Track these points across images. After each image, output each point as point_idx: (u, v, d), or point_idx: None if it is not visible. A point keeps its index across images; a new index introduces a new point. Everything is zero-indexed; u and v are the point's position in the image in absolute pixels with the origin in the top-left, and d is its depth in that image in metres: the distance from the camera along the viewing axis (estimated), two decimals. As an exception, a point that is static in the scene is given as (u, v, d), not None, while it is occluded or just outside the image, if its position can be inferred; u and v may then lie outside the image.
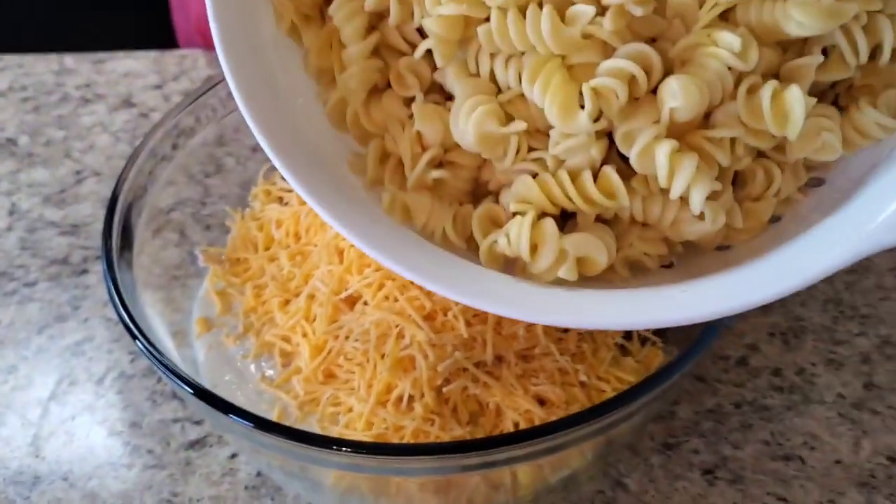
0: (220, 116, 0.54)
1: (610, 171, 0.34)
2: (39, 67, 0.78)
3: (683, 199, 0.34)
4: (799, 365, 0.52)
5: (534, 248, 0.35)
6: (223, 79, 0.51)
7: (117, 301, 0.39)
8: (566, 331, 0.44)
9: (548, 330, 0.43)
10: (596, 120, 0.33)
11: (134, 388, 0.52)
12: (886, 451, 0.48)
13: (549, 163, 0.35)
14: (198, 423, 0.50)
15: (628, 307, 0.35)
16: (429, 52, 0.35)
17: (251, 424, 0.35)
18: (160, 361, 0.37)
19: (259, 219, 0.51)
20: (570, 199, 0.35)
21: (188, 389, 0.36)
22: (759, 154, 0.36)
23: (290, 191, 0.50)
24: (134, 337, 0.38)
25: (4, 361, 0.54)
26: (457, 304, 0.42)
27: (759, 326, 0.54)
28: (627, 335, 0.46)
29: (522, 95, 0.34)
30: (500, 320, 0.43)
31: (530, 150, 0.36)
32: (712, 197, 0.34)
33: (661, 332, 0.46)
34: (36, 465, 0.49)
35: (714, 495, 0.46)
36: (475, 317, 0.42)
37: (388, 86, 0.38)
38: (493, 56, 0.35)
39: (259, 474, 0.48)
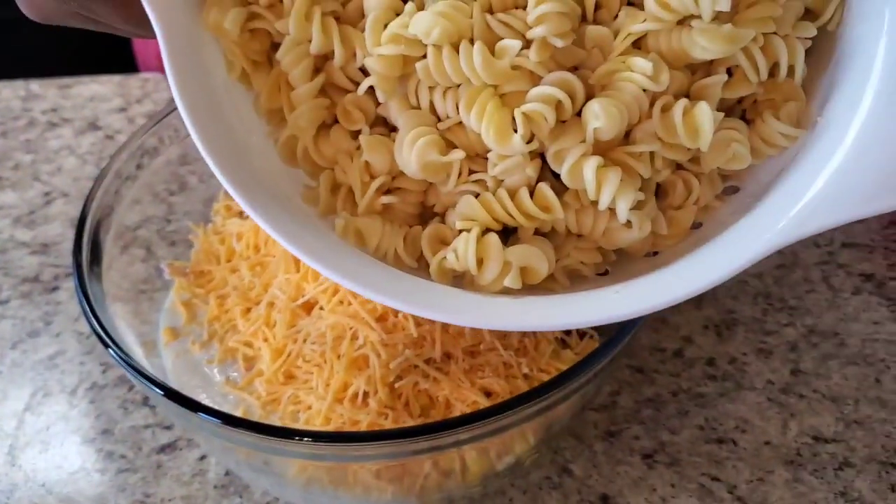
0: (182, 136, 0.57)
1: (544, 188, 0.38)
2: (6, 93, 0.81)
3: (612, 211, 0.37)
4: (731, 355, 0.56)
5: (480, 262, 0.37)
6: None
7: (89, 313, 0.42)
8: (509, 328, 0.47)
9: (492, 327, 0.46)
10: (529, 142, 0.36)
11: (106, 397, 0.55)
12: (811, 431, 0.52)
13: (489, 183, 0.38)
14: (167, 427, 0.53)
15: (569, 308, 0.38)
16: (372, 88, 0.38)
17: (219, 421, 0.38)
18: (132, 367, 0.40)
19: (221, 233, 0.54)
20: (510, 214, 0.38)
21: (159, 392, 0.39)
22: (678, 167, 0.40)
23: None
24: (106, 346, 0.41)
25: (-20, 376, 0.57)
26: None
27: (694, 320, 0.58)
28: (567, 330, 0.49)
29: (461, 123, 0.37)
30: (447, 320, 0.46)
31: (471, 172, 0.39)
32: (637, 207, 0.37)
33: (598, 327, 0.50)
34: (13, 473, 0.51)
35: (653, 478, 0.50)
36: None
37: (335, 122, 0.40)
38: (431, 89, 0.38)
39: (227, 474, 0.50)
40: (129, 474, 0.51)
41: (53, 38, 0.90)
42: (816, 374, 0.54)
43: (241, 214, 0.54)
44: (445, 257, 0.38)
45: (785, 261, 0.61)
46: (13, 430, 0.53)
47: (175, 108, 0.56)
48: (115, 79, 0.82)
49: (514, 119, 0.36)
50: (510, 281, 0.37)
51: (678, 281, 0.37)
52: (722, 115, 0.37)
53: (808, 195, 0.36)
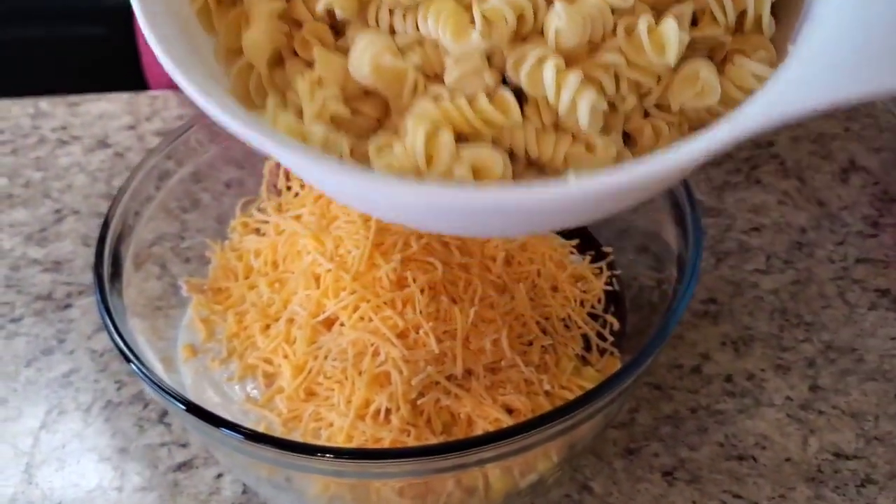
0: (195, 155, 0.57)
1: (504, 91, 0.35)
2: (15, 111, 0.81)
3: (575, 137, 0.35)
4: (749, 371, 0.56)
5: (430, 160, 0.34)
6: (198, 120, 0.54)
7: (111, 328, 0.42)
8: (530, 343, 0.47)
9: (513, 343, 0.46)
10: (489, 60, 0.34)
11: (121, 415, 0.55)
12: (832, 447, 0.51)
13: (445, 96, 0.36)
14: (183, 445, 0.53)
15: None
16: (333, 25, 0.37)
17: (241, 436, 0.38)
18: (153, 381, 0.40)
19: (238, 250, 0.53)
20: (466, 119, 0.35)
21: (181, 406, 0.39)
22: (646, 115, 0.38)
23: (267, 222, 0.53)
24: (128, 360, 0.41)
25: (-6, 394, 0.56)
26: (428, 322, 0.45)
27: (711, 336, 0.58)
28: (587, 347, 0.49)
29: (419, 43, 0.36)
30: (468, 336, 0.46)
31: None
32: (603, 132, 0.35)
33: (618, 344, 0.50)
34: (30, 491, 0.51)
35: (674, 495, 0.49)
36: (445, 333, 0.45)
37: (294, 55, 0.38)
38: (391, 12, 0.36)
39: (245, 492, 0.50)
40: (145, 493, 0.50)
41: (62, 56, 0.90)
42: (835, 391, 0.54)
43: (258, 231, 0.54)
44: (392, 150, 0.35)
45: (800, 277, 0.61)
46: (29, 448, 0.53)
47: (188, 128, 0.56)
48: (124, 96, 0.82)
49: (473, 21, 0.34)
50: (461, 173, 0.34)
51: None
52: (688, 37, 0.35)
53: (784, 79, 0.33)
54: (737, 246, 0.64)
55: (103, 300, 0.43)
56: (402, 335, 0.45)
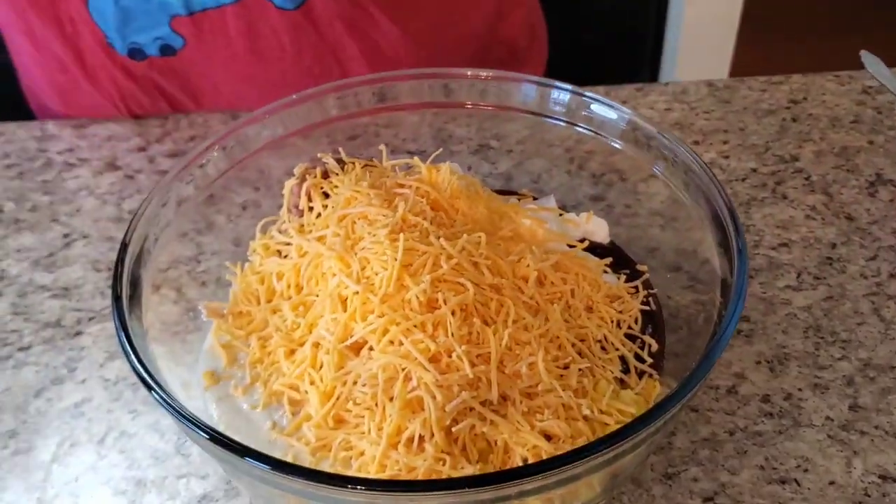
0: (209, 177, 0.55)
1: None
2: (21, 134, 0.79)
3: None
4: (786, 391, 0.54)
5: None
6: (212, 142, 0.53)
7: (132, 355, 0.40)
8: (566, 366, 0.45)
9: (549, 367, 0.44)
10: None
11: (136, 446, 0.53)
12: (877, 470, 0.49)
13: None
14: (203, 477, 0.51)
15: None
16: None
17: (269, 467, 0.36)
18: (176, 410, 0.38)
19: (259, 272, 0.52)
20: None
21: (205, 434, 0.37)
22: None
23: (289, 244, 0.51)
24: (149, 388, 0.39)
25: (4, 426, 0.54)
26: (461, 345, 0.43)
27: (746, 355, 0.56)
28: (625, 369, 0.47)
29: None
30: (503, 359, 0.44)
31: None
32: None
33: (655, 365, 0.48)
34: (43, 527, 0.49)
35: (716, 522, 0.47)
36: (479, 356, 0.44)
37: None
38: None
39: (268, 525, 0.48)
40: (164, 527, 0.48)
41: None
42: (877, 410, 0.52)
43: (279, 253, 0.52)
44: None
45: (832, 293, 0.60)
46: (40, 482, 0.51)
47: (205, 149, 0.54)
48: (132, 119, 0.80)
49: None
50: None
51: None
52: None
53: None
54: (766, 262, 0.62)
55: (123, 326, 0.41)
56: (434, 359, 0.43)
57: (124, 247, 0.45)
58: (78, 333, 0.60)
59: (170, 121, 0.79)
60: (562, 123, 0.58)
